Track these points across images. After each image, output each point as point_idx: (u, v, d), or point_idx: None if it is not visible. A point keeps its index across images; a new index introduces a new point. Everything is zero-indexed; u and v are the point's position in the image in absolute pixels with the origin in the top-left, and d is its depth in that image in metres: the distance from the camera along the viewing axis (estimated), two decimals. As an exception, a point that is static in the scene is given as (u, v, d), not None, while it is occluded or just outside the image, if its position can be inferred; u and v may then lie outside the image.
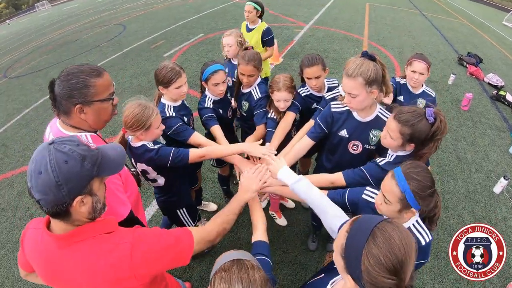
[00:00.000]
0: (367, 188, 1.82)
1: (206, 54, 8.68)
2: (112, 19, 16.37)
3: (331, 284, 1.25)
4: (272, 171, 1.88)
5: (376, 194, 1.73)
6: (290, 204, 3.71)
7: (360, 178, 1.95)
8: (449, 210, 3.67)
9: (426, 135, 1.71)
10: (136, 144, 2.12)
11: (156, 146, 2.11)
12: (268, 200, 3.60)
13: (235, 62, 3.62)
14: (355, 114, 2.13)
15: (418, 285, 2.89)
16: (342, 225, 1.45)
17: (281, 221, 3.52)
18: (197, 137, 2.41)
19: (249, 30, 4.33)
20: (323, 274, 1.49)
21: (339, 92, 2.47)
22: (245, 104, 2.83)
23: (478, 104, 5.93)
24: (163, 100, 2.49)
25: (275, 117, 2.68)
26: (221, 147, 2.34)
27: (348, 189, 1.88)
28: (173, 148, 2.12)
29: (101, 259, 1.15)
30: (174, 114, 2.43)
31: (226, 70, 2.92)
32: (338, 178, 2.02)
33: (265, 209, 3.59)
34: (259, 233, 1.66)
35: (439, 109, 1.74)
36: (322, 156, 2.55)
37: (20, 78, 10.26)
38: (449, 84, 6.58)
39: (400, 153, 1.87)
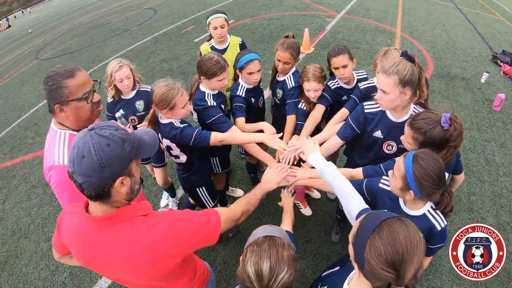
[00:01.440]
0: (383, 177, 1.89)
1: (237, 41, 8.62)
2: (143, 3, 16.52)
3: (347, 282, 1.28)
4: (304, 153, 2.01)
5: None
6: (316, 195, 3.75)
7: (377, 174, 2.02)
8: (473, 212, 3.61)
9: (439, 141, 1.71)
10: (164, 121, 2.28)
11: (181, 125, 2.25)
12: (294, 189, 3.64)
13: (129, 96, 3.15)
14: (389, 114, 2.12)
15: (436, 285, 2.88)
16: (360, 212, 1.52)
17: (306, 211, 3.56)
18: (233, 129, 2.46)
19: (220, 52, 3.27)
20: (337, 267, 1.54)
21: (373, 83, 2.46)
22: (279, 92, 2.88)
23: (511, 105, 5.72)
24: (202, 88, 2.55)
25: (304, 108, 2.74)
26: (242, 135, 2.42)
27: (365, 179, 1.97)
28: (197, 129, 2.25)
29: (139, 240, 1.21)
30: (215, 104, 2.49)
31: (139, 104, 3.14)
32: (358, 173, 2.11)
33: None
34: (286, 225, 1.85)
35: (456, 115, 1.71)
36: (355, 153, 2.55)
37: (52, 60, 10.60)
38: (482, 83, 6.36)
39: None
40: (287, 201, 2.12)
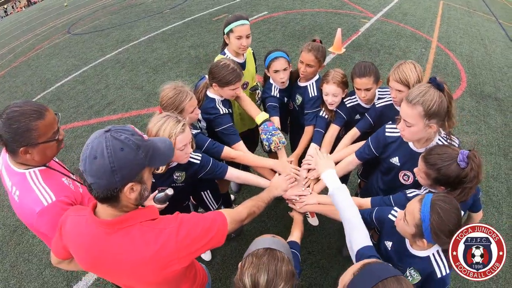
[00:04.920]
0: (395, 208, 1.78)
1: (268, 34, 8.49)
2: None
3: None
4: (318, 167, 1.98)
5: None
6: (314, 221, 3.60)
7: (385, 205, 1.91)
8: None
9: (453, 180, 1.57)
10: None
11: (194, 131, 2.19)
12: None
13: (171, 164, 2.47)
14: (409, 142, 1.97)
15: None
16: (361, 250, 1.47)
17: (313, 220, 3.45)
18: (240, 146, 2.41)
19: (241, 65, 2.68)
20: None
21: (391, 100, 2.29)
22: (299, 98, 2.76)
23: (545, 134, 5.42)
24: (211, 95, 2.44)
25: (326, 116, 2.61)
26: (252, 158, 2.43)
27: (376, 208, 1.87)
28: (210, 139, 2.23)
29: (149, 244, 1.21)
30: (227, 112, 2.42)
31: (178, 176, 2.10)
32: (366, 202, 2.01)
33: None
34: (295, 236, 1.94)
35: (475, 152, 1.56)
36: (374, 176, 2.43)
37: (83, 35, 10.79)
38: (516, 105, 6.07)
39: (433, 191, 1.74)
40: (297, 214, 2.17)
